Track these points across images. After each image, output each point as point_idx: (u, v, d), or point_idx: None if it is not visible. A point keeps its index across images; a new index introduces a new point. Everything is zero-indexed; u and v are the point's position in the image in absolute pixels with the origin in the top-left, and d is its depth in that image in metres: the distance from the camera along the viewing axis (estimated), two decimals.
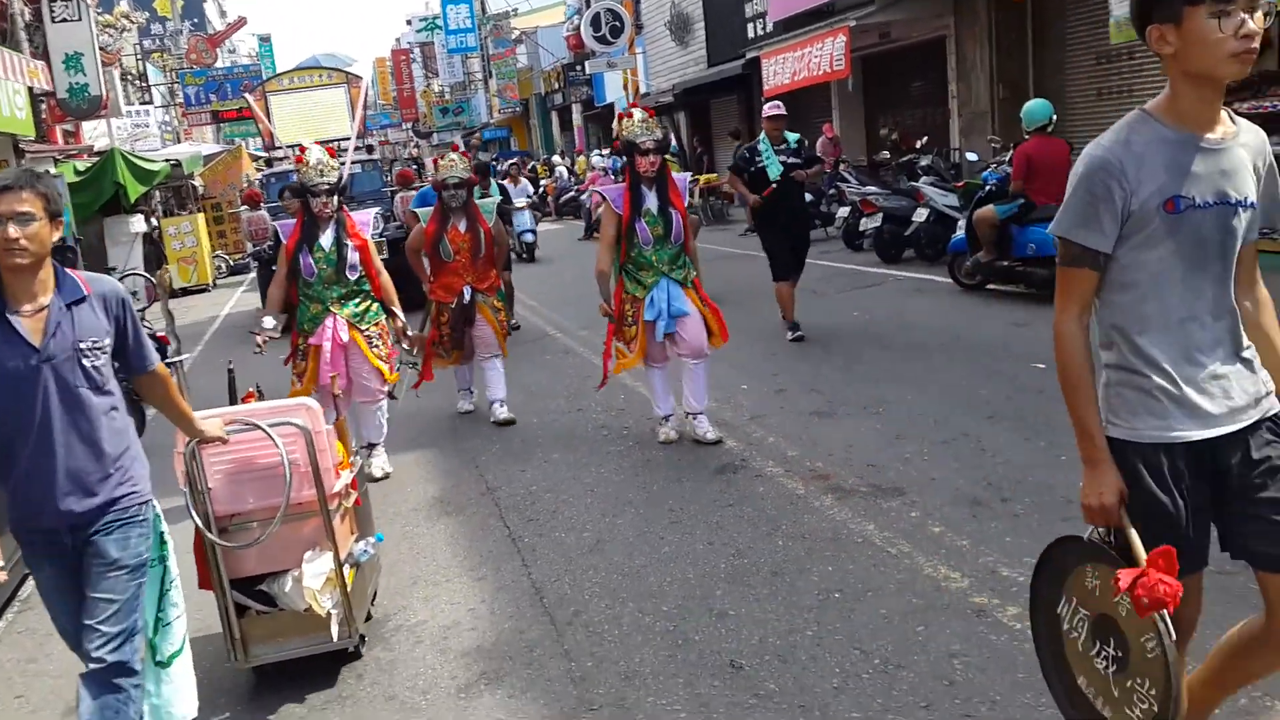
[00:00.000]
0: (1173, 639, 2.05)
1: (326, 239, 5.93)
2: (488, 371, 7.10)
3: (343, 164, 13.11)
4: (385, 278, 6.13)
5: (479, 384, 7.43)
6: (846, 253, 13.22)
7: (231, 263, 20.82)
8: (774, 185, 8.21)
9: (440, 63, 52.59)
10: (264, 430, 3.53)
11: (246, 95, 17.05)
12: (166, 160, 17.48)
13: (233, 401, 4.26)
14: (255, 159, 22.42)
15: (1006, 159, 9.57)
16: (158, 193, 19.16)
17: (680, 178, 6.22)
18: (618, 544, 4.74)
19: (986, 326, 8.37)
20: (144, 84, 29.00)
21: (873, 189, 12.69)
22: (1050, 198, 8.54)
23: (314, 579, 3.66)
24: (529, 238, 17.13)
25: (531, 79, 40.26)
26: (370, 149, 22.28)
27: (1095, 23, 12.27)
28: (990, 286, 9.70)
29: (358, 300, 6.02)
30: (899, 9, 15.43)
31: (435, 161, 6.53)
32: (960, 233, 10.02)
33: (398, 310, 6.11)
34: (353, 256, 5.95)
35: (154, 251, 18.08)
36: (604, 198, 6.10)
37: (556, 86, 37.21)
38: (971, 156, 12.41)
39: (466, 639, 4.02)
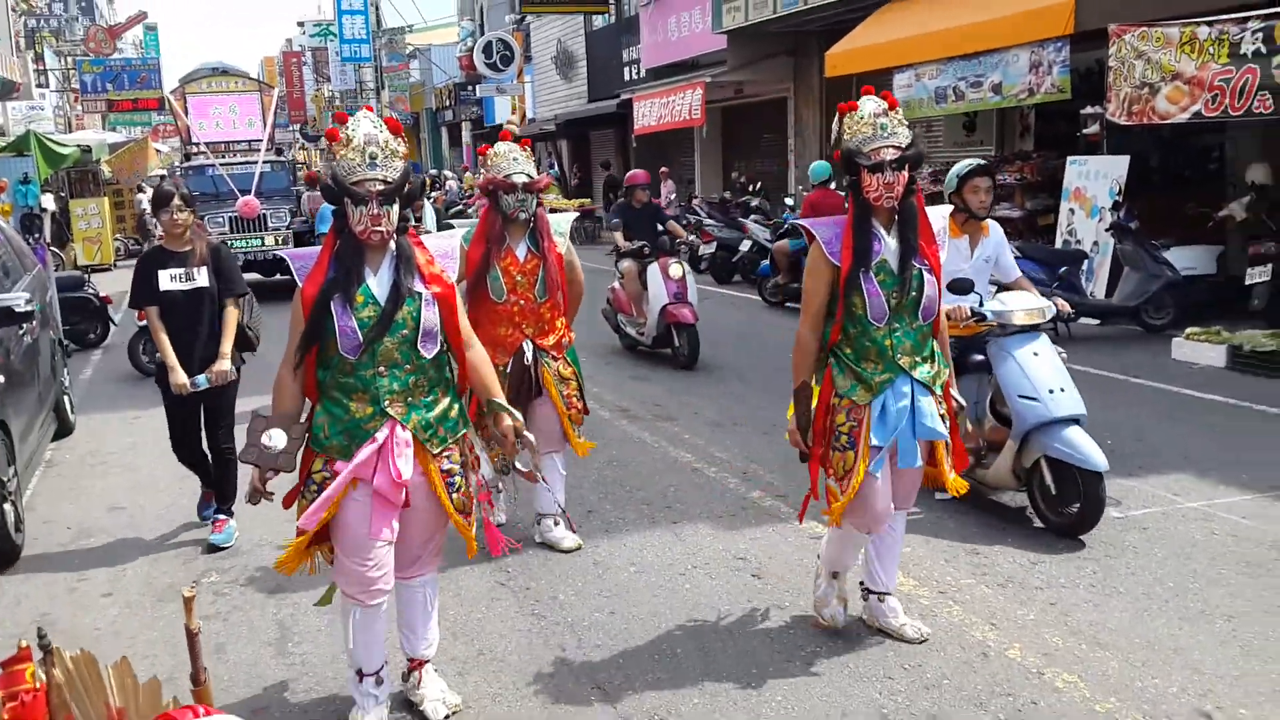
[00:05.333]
0: None
1: (379, 282, 3.27)
2: (543, 469, 4.63)
3: (264, 162, 15.11)
4: (478, 350, 3.49)
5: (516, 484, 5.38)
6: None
7: (130, 246, 22.21)
8: None
9: (333, 69, 53.85)
10: None
11: (169, 95, 18.66)
12: (78, 145, 18.83)
13: None
14: (158, 152, 23.80)
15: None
16: (63, 174, 20.42)
17: (937, 211, 3.82)
18: None
19: (770, 332, 10.90)
20: (41, 67, 29.80)
21: (710, 221, 15.30)
22: None
23: None
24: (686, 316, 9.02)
25: (424, 94, 42.13)
26: (280, 151, 23.93)
27: None
28: (788, 304, 12.29)
29: (432, 396, 3.37)
30: (747, 70, 18.19)
31: (483, 152, 4.88)
32: (767, 261, 12.64)
33: (501, 399, 3.46)
34: (429, 315, 3.28)
35: (57, 230, 19.37)
36: (812, 234, 3.66)
37: (448, 103, 39.20)
38: (789, 201, 15.16)
39: None
